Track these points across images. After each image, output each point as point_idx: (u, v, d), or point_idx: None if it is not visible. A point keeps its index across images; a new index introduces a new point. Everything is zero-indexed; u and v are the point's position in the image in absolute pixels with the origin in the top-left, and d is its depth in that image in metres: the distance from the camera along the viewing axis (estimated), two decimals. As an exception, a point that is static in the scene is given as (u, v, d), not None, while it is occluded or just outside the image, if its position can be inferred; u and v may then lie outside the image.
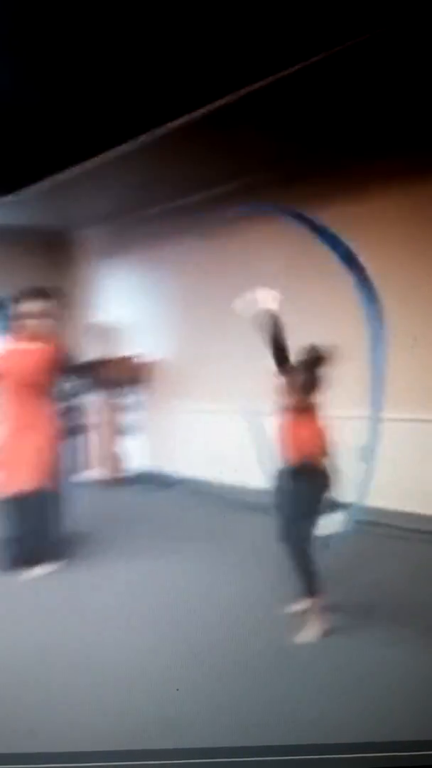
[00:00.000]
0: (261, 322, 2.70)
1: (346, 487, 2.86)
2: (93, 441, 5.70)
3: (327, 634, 2.65)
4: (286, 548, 2.78)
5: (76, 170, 4.32)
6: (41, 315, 3.64)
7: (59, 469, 3.71)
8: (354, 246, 3.23)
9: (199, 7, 2.82)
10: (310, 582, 2.72)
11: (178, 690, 2.28)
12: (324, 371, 2.75)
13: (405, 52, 2.92)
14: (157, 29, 2.94)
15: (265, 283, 4.26)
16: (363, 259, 3.70)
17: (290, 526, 2.77)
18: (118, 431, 5.88)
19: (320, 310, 4.13)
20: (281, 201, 4.27)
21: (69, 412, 5.76)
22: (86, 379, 4.79)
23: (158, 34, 2.97)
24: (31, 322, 3.62)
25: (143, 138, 3.81)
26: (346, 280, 3.62)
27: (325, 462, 2.77)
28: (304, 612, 2.74)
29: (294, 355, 2.74)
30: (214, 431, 5.12)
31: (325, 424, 2.79)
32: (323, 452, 2.77)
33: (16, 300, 3.69)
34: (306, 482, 2.76)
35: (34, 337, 3.62)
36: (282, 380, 2.76)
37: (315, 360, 2.74)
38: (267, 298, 2.70)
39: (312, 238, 3.25)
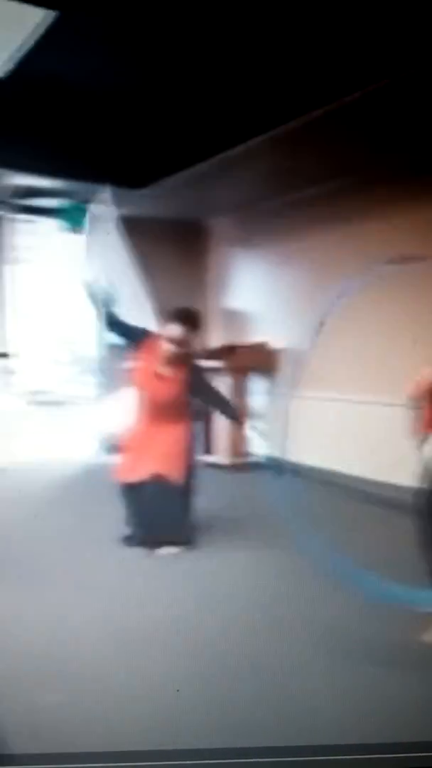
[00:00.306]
0: None
1: None
2: (218, 426, 5.80)
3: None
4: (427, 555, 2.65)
5: (209, 162, 4.41)
6: (182, 342, 3.62)
7: (191, 457, 3.86)
8: None
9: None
10: None
11: (178, 690, 2.26)
12: None
13: None
14: (288, 25, 2.91)
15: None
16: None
17: None
18: (246, 417, 5.92)
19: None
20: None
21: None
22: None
23: (288, 30, 2.95)
24: (170, 347, 3.61)
25: (275, 131, 3.82)
26: None
27: None
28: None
29: None
30: (342, 421, 5.02)
31: None
32: None
33: (164, 320, 3.71)
34: None
35: (170, 362, 3.65)
36: None
37: None
38: None
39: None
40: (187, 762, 1.87)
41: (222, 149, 4.28)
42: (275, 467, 5.64)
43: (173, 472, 3.68)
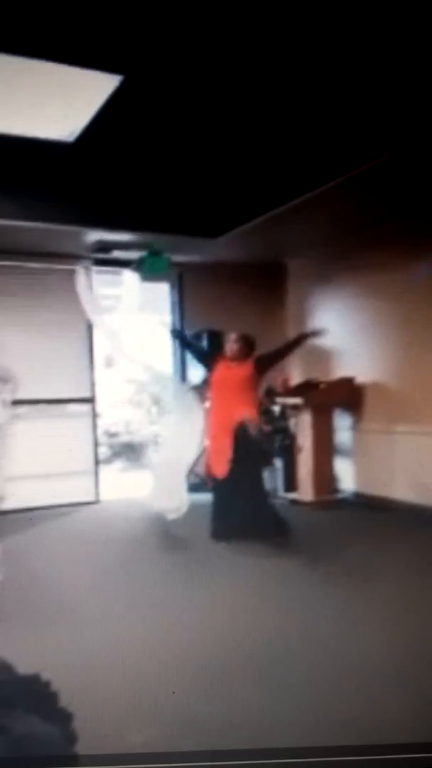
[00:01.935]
0: None
1: None
2: (305, 462, 5.78)
3: None
4: None
5: (287, 204, 4.51)
6: (239, 343, 4.76)
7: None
8: None
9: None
10: None
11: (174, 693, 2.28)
12: None
13: None
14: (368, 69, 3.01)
15: None
16: None
17: None
18: (328, 453, 5.90)
19: None
20: None
21: (277, 432, 5.97)
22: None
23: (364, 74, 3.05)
24: (232, 347, 4.77)
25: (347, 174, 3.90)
26: None
27: None
28: None
29: None
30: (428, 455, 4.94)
31: None
32: None
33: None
34: None
35: (234, 358, 4.73)
36: None
37: None
38: None
39: None
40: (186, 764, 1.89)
41: (290, 198, 4.40)
42: (363, 503, 5.59)
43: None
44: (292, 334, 6.22)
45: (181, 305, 6.41)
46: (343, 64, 2.95)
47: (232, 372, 4.68)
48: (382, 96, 3.21)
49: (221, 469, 4.52)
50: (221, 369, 4.73)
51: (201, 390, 5.02)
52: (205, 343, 5.94)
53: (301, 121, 3.53)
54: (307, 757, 1.84)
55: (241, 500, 4.45)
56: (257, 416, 4.73)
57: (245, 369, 4.68)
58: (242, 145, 3.86)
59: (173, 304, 6.45)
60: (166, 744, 2.09)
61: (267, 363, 4.79)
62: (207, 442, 4.75)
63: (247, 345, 4.74)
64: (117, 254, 5.78)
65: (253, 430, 4.57)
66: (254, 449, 4.59)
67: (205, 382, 4.94)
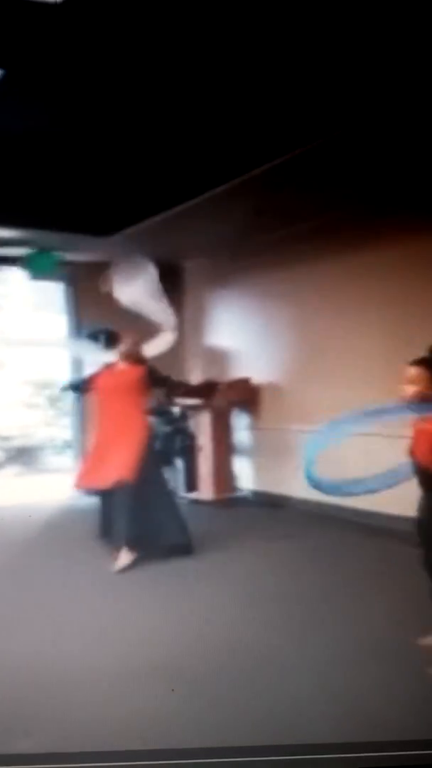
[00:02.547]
0: None
1: None
2: (203, 462, 5.80)
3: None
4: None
5: (182, 205, 4.48)
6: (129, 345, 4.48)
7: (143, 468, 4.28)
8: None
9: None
10: None
11: (173, 690, 2.33)
12: None
13: None
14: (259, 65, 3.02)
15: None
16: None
17: None
18: (228, 453, 5.95)
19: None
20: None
21: (177, 433, 5.95)
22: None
23: (261, 70, 3.05)
24: (127, 349, 4.48)
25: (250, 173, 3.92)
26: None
27: None
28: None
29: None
30: (324, 453, 5.08)
31: None
32: None
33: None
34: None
35: (127, 360, 4.47)
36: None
37: None
38: None
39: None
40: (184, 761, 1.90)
41: (185, 198, 4.37)
42: (262, 501, 5.69)
43: (123, 479, 4.14)
44: (189, 335, 6.22)
45: (76, 305, 6.22)
46: (239, 65, 2.94)
47: (122, 376, 4.43)
48: (282, 95, 3.21)
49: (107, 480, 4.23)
50: (108, 374, 4.48)
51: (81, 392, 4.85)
52: (102, 343, 5.78)
53: (195, 121, 3.50)
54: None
55: (142, 505, 4.24)
56: (147, 423, 4.53)
57: (136, 373, 4.46)
58: (134, 144, 3.78)
59: (67, 303, 6.25)
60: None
61: (154, 380, 4.55)
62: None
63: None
64: (2, 251, 5.52)
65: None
66: (151, 457, 4.40)
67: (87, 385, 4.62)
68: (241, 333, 5.90)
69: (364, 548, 4.26)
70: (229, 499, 5.78)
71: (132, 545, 4.07)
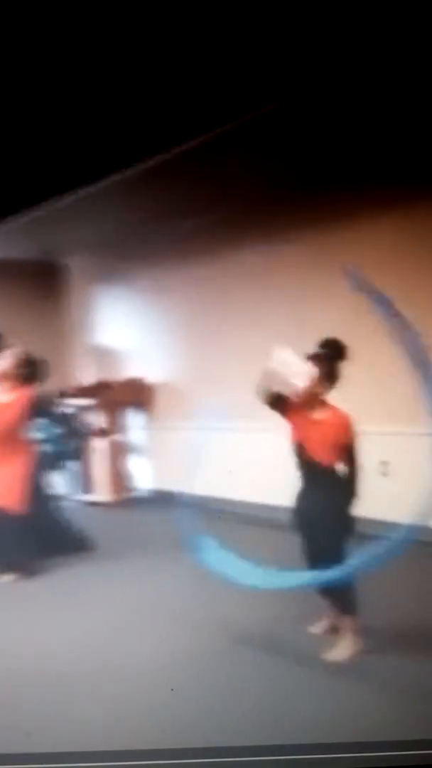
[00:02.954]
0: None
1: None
2: (100, 463, 5.70)
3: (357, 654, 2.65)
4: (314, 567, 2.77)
5: (63, 199, 4.34)
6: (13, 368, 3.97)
7: (32, 495, 4.02)
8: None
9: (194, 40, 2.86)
10: (345, 602, 2.71)
11: (172, 690, 2.32)
12: (340, 365, 2.76)
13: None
14: (142, 59, 2.97)
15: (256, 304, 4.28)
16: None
17: (319, 545, 2.73)
18: (123, 453, 5.89)
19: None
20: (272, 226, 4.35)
21: (70, 435, 5.81)
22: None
23: (143, 62, 3.01)
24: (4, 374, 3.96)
25: (132, 169, 3.86)
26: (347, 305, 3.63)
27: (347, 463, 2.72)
28: (334, 631, 2.74)
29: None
30: (216, 449, 5.14)
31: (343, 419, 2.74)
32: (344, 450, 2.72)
33: None
34: (329, 488, 2.72)
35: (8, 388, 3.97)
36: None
37: (333, 353, 2.75)
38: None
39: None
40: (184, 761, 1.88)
41: (75, 186, 4.23)
42: (159, 499, 5.67)
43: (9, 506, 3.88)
44: (75, 337, 6.10)
45: None
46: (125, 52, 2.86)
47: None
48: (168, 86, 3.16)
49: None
50: None
51: None
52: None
53: (72, 111, 3.39)
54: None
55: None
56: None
57: (18, 404, 3.92)
58: (8, 136, 3.61)
59: None
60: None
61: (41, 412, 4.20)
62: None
63: (30, 370, 3.96)
64: None
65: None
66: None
67: None
68: (132, 331, 5.83)
69: (256, 538, 4.33)
70: (126, 500, 5.72)
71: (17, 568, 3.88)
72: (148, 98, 3.27)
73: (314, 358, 2.75)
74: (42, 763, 1.92)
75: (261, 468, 4.32)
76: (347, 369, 2.79)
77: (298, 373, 2.71)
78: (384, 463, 3.97)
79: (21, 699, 2.37)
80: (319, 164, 3.98)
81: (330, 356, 2.74)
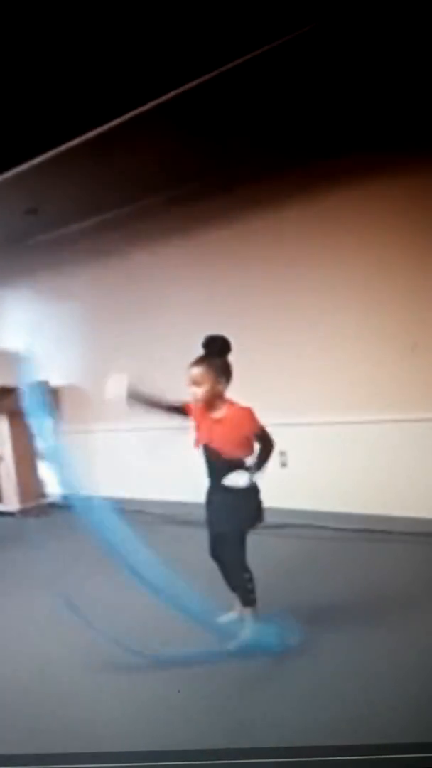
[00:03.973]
0: (128, 401, 2.77)
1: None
2: (6, 471, 5.55)
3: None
4: (219, 563, 2.84)
5: None
6: None
7: None
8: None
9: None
10: (247, 593, 2.77)
11: (179, 692, 2.34)
12: (227, 359, 2.78)
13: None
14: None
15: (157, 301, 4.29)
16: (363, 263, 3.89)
17: (222, 538, 2.79)
18: (33, 459, 5.75)
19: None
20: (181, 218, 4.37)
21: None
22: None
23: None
24: None
25: (26, 164, 3.75)
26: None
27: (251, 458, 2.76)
28: (240, 620, 2.79)
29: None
30: (126, 450, 5.14)
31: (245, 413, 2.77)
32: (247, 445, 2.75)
33: None
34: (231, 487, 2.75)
35: None
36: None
37: (218, 349, 2.76)
38: (118, 385, 2.80)
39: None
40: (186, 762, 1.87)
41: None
42: (73, 503, 5.56)
43: None
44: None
45: None
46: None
47: None
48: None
49: None
50: None
51: None
52: None
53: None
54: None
55: None
56: None
57: None
58: None
59: None
60: None
61: None
62: None
63: None
64: None
65: None
66: None
67: None
68: (34, 335, 5.70)
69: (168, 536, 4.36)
70: (36, 507, 5.59)
71: None
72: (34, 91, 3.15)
73: (202, 359, 2.77)
74: (44, 764, 1.93)
75: (174, 466, 4.34)
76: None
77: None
78: (282, 454, 4.11)
79: (23, 699, 2.38)
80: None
81: (216, 353, 2.77)
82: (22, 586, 3.86)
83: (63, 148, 3.52)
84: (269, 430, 2.82)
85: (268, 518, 3.00)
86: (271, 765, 1.90)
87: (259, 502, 2.83)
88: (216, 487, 2.81)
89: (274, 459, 3.94)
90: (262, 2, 2.51)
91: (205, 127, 3.55)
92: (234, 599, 2.86)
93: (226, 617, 2.88)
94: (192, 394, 2.77)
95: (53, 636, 2.95)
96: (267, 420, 2.80)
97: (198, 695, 2.36)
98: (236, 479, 2.74)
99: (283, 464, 4.12)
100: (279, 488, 3.70)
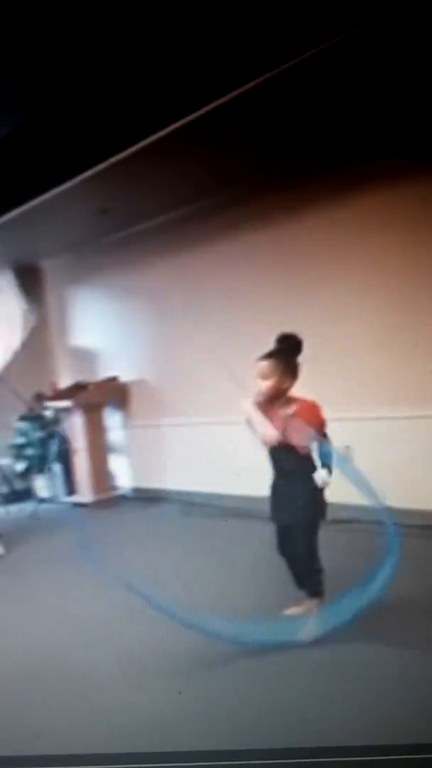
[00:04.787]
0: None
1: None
2: (80, 464, 5.75)
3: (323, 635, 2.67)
4: (287, 557, 2.84)
5: (34, 202, 4.38)
6: None
7: None
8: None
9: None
10: (316, 585, 2.77)
11: (180, 693, 2.33)
12: (297, 358, 2.78)
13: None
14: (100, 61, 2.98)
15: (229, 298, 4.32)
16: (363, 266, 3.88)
17: (290, 531, 2.78)
18: (105, 452, 5.93)
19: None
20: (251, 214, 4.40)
21: (51, 438, 5.85)
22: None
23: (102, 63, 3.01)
24: None
25: (97, 167, 3.88)
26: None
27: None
28: (304, 613, 2.78)
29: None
30: (195, 444, 5.22)
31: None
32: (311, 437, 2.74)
33: None
34: (300, 473, 2.74)
35: None
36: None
37: (290, 348, 2.77)
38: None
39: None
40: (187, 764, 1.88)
41: (42, 190, 4.27)
42: (142, 497, 5.72)
43: None
44: (55, 337, 6.14)
45: None
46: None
47: None
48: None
49: None
50: None
51: None
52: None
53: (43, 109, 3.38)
54: None
55: None
56: None
57: None
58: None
59: None
60: None
61: None
62: None
63: None
64: None
65: None
66: None
67: None
68: (106, 331, 5.88)
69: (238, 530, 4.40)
70: (108, 499, 5.77)
71: None
72: (123, 94, 3.27)
73: (272, 354, 2.79)
74: (44, 765, 1.94)
75: (241, 460, 4.38)
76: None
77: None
78: (347, 448, 4.05)
79: (26, 700, 2.40)
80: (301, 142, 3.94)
81: (288, 351, 2.78)
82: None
83: (132, 150, 3.63)
84: (334, 425, 2.82)
85: (335, 514, 2.99)
86: (272, 765, 1.88)
87: (323, 495, 2.81)
88: (284, 480, 2.81)
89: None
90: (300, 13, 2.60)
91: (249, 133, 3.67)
92: (297, 594, 2.87)
93: (291, 611, 2.89)
94: (256, 386, 2.79)
95: (53, 635, 2.98)
96: (331, 415, 2.80)
97: (198, 696, 2.34)
98: (319, 477, 2.75)
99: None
100: (345, 483, 3.68)
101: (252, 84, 2.96)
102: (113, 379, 5.86)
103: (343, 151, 4.02)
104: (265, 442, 2.80)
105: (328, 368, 4.06)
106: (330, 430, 2.87)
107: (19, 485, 6.02)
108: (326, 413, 2.85)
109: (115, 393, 5.83)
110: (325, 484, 2.75)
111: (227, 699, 2.32)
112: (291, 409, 2.77)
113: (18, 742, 2.10)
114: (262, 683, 2.43)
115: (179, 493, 5.29)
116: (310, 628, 2.72)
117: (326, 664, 2.50)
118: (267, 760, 1.88)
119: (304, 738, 2.01)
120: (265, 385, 2.76)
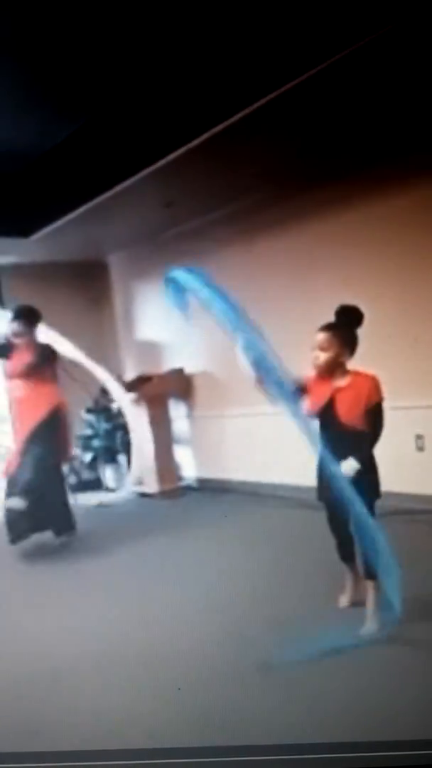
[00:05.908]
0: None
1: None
2: (145, 454, 5.84)
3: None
4: (338, 535, 2.82)
5: (100, 197, 4.48)
6: (20, 333, 4.41)
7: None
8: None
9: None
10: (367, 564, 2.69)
11: (180, 689, 2.31)
12: (356, 331, 2.74)
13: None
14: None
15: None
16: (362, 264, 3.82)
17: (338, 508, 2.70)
18: (170, 443, 6.00)
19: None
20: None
21: (117, 429, 5.98)
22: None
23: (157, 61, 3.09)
24: (15, 340, 4.41)
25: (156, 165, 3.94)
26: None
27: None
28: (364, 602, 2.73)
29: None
30: (260, 434, 5.20)
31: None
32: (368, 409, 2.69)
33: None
34: (352, 447, 2.67)
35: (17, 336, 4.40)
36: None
37: (350, 320, 2.74)
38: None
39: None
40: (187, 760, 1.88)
41: (103, 189, 4.37)
42: (207, 487, 5.76)
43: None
44: (123, 329, 6.25)
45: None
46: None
47: (20, 357, 4.36)
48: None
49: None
50: (14, 357, 4.40)
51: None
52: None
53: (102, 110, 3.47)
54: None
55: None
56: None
57: (30, 351, 4.35)
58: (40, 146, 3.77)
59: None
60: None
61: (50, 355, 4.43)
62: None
63: (28, 319, 4.36)
64: None
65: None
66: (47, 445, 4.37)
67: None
68: (169, 324, 5.93)
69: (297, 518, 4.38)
70: (174, 489, 5.84)
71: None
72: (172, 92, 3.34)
73: (332, 326, 2.75)
74: (46, 762, 1.94)
75: (305, 451, 4.34)
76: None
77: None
78: (420, 437, 3.96)
79: (27, 697, 2.40)
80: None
81: (347, 323, 2.74)
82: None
83: (194, 143, 3.67)
84: (404, 412, 2.75)
85: (406, 504, 2.93)
86: (272, 763, 1.85)
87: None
88: (331, 458, 2.69)
89: (409, 443, 3.87)
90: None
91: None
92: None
93: (342, 602, 2.86)
94: (314, 358, 2.75)
95: (52, 632, 2.99)
96: (401, 402, 2.73)
97: (198, 692, 2.31)
98: (347, 467, 2.66)
99: (420, 448, 3.97)
100: (416, 473, 3.60)
101: (302, 78, 2.98)
102: (178, 371, 5.92)
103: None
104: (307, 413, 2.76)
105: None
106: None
107: (87, 475, 6.17)
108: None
109: (179, 384, 5.90)
110: (355, 471, 2.64)
111: (228, 697, 2.27)
112: (344, 381, 2.74)
113: (17, 739, 2.10)
114: (266, 681, 2.36)
115: (244, 484, 5.31)
116: (370, 624, 2.64)
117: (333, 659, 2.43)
118: (267, 756, 1.86)
119: (306, 734, 1.96)
120: (324, 356, 2.74)
